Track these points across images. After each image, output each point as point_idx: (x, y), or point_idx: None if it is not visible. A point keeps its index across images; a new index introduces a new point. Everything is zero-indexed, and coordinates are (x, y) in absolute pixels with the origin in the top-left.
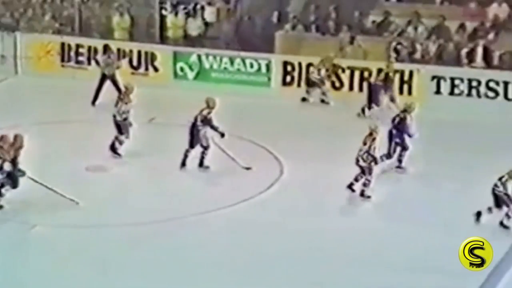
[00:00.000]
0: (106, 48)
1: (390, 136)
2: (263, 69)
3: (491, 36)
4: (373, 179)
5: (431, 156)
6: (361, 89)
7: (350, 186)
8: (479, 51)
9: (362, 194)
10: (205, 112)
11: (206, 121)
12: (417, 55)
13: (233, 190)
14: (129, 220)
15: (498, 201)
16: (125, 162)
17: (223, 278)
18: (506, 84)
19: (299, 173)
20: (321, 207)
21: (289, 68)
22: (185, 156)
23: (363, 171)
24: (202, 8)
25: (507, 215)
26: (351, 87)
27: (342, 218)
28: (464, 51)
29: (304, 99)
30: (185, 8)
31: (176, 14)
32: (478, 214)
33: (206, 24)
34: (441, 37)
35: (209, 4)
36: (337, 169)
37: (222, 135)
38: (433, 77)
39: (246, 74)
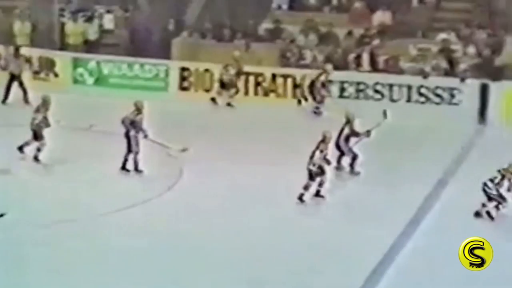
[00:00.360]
0: (16, 50)
1: (338, 146)
2: (161, 75)
3: (376, 41)
4: (327, 180)
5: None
6: (256, 93)
7: (301, 198)
8: (366, 56)
9: (317, 194)
10: (131, 115)
11: (134, 123)
12: (307, 61)
13: (133, 192)
14: (35, 221)
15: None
16: (31, 164)
17: (123, 275)
18: (391, 86)
19: (199, 174)
20: (222, 208)
21: (186, 74)
22: (125, 160)
23: (311, 176)
24: (101, 15)
25: (496, 207)
26: (246, 92)
27: (243, 218)
28: (351, 56)
29: (213, 99)
30: (84, 16)
31: (75, 20)
32: (477, 214)
33: (105, 31)
34: (330, 44)
35: (108, 11)
36: (237, 170)
37: (146, 136)
38: None
39: (144, 80)
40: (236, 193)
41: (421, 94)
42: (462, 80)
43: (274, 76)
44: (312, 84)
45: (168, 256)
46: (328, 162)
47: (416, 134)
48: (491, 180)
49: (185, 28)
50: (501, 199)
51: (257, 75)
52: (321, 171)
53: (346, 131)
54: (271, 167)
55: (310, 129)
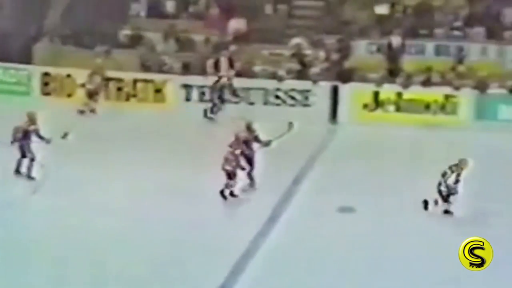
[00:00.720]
0: None
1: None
2: (23, 80)
3: (233, 47)
4: (239, 180)
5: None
6: (117, 98)
7: (222, 193)
8: (223, 61)
9: (232, 194)
10: (25, 125)
11: (28, 134)
12: (167, 67)
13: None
14: None
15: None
16: None
17: None
18: (248, 90)
19: (62, 179)
20: (90, 208)
21: (47, 79)
22: (18, 165)
23: (229, 175)
24: None
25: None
26: (107, 97)
27: (112, 217)
28: (210, 62)
29: (82, 112)
30: None
31: None
32: (425, 202)
33: None
34: (189, 50)
35: None
36: (101, 174)
37: (48, 142)
38: (183, 86)
39: (7, 84)
40: (100, 197)
41: (276, 97)
42: (315, 82)
43: (135, 82)
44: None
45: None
46: (238, 162)
47: (273, 136)
48: (443, 176)
49: (46, 33)
50: (451, 194)
51: (118, 80)
52: (235, 172)
53: (246, 137)
54: (138, 170)
55: (176, 132)
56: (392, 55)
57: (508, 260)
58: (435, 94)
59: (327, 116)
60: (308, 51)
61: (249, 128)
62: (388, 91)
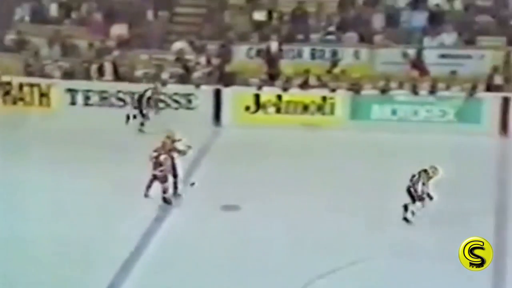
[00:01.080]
0: None
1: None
2: None
3: (116, 52)
4: (170, 185)
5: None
6: (4, 102)
7: (165, 199)
8: (108, 66)
9: (165, 200)
10: None
11: None
12: (51, 71)
13: None
14: None
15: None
16: None
17: None
18: (132, 94)
19: None
20: None
21: None
22: None
23: (159, 180)
24: None
25: (412, 212)
26: None
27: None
28: (94, 67)
29: None
30: None
31: None
32: (406, 207)
33: None
34: (73, 55)
35: None
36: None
37: None
38: (68, 90)
39: None
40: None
41: (160, 100)
42: (197, 86)
43: (21, 86)
44: (144, 100)
45: None
46: (167, 167)
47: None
48: (411, 181)
49: None
50: (421, 198)
51: (5, 84)
52: (166, 175)
53: (170, 145)
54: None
55: (63, 136)
56: (271, 59)
57: None
58: (313, 95)
59: (210, 118)
60: (190, 56)
61: (169, 137)
62: (268, 93)
